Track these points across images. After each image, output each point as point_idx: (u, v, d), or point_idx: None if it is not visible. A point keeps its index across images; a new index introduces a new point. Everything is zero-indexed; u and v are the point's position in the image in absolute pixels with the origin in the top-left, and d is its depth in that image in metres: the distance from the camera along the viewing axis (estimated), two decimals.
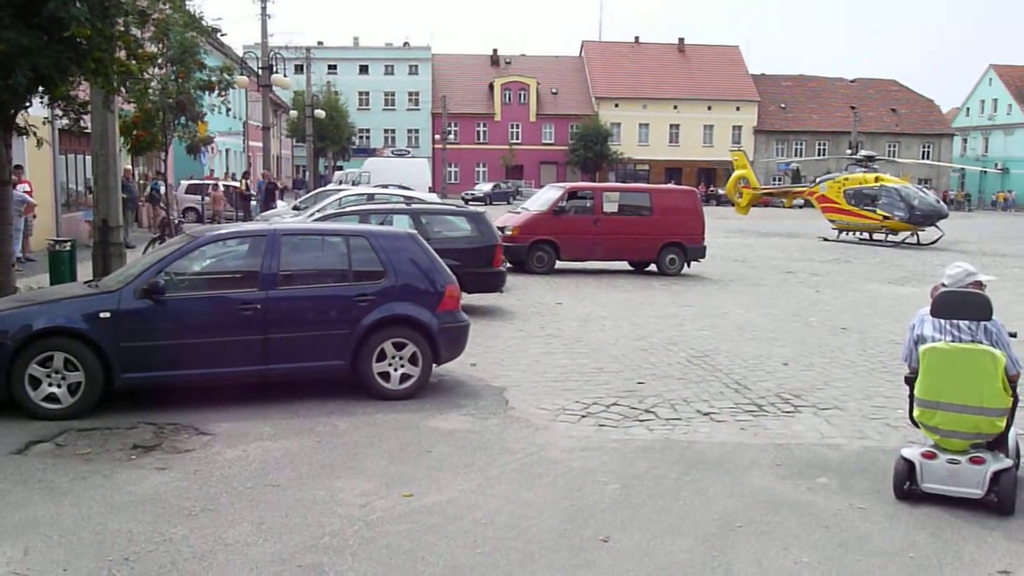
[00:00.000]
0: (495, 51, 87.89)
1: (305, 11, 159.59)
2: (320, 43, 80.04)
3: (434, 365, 9.36)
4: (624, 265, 22.33)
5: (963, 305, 6.29)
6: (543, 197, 22.76)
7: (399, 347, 9.05)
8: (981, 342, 6.23)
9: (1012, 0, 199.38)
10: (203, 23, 20.65)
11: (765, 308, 16.40)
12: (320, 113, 55.05)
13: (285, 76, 37.99)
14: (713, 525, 5.95)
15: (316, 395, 8.92)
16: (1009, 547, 5.71)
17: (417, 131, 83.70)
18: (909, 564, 5.44)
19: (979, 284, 6.54)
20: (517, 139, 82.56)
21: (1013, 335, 6.52)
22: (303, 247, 9.56)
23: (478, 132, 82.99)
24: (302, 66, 58.03)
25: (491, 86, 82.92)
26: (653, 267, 21.80)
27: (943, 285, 6.58)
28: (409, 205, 16.58)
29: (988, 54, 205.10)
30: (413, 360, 9.09)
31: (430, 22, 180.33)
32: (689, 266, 21.88)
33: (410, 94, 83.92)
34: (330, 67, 78.98)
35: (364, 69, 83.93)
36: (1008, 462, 6.31)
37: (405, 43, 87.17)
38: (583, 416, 8.64)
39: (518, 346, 12.16)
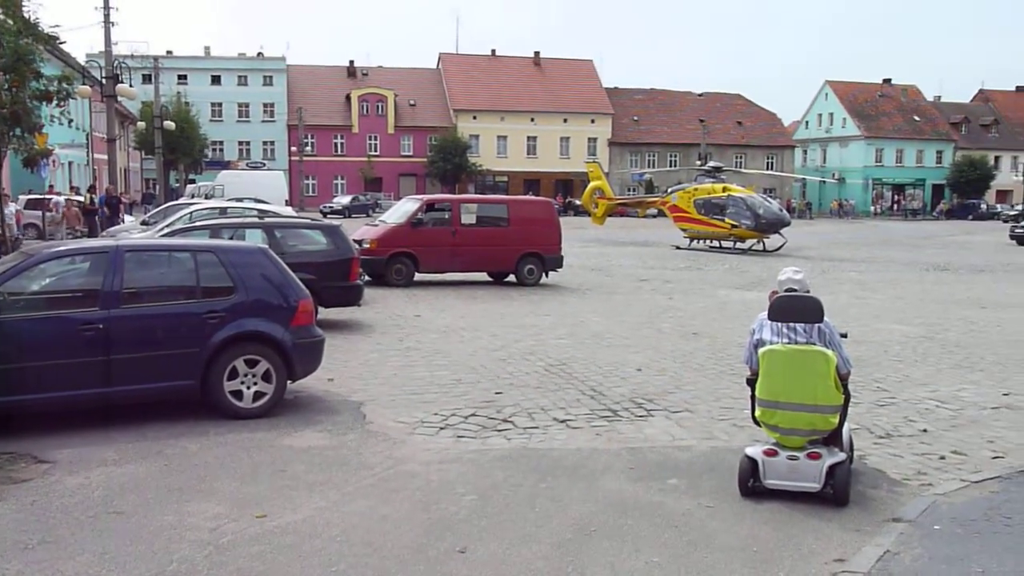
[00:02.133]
0: (351, 62, 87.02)
1: (152, 20, 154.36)
2: (169, 52, 77.51)
3: (289, 381, 9.19)
4: (483, 276, 22.48)
5: (798, 309, 6.62)
6: (401, 210, 22.70)
7: (251, 364, 8.85)
8: (815, 343, 6.56)
9: (846, 21, 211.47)
10: (39, 29, 19.66)
11: (620, 316, 16.80)
12: (170, 124, 53.20)
13: (131, 86, 36.53)
14: (568, 531, 6.05)
15: (165, 417, 8.61)
16: (844, 537, 6.02)
17: (273, 143, 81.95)
18: (753, 558, 5.67)
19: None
20: (375, 151, 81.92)
21: (844, 336, 6.89)
22: (148, 263, 9.22)
23: (336, 144, 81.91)
24: (150, 76, 56.08)
25: (348, 97, 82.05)
26: (512, 277, 22.02)
27: (790, 290, 6.86)
28: (262, 219, 16.22)
29: (824, 71, 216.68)
30: (266, 377, 8.90)
31: (285, 33, 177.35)
32: (547, 276, 22.22)
33: (265, 105, 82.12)
34: (180, 77, 76.45)
35: (216, 80, 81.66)
36: (842, 456, 6.67)
37: (259, 53, 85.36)
38: (441, 428, 8.64)
39: (376, 360, 12.07)
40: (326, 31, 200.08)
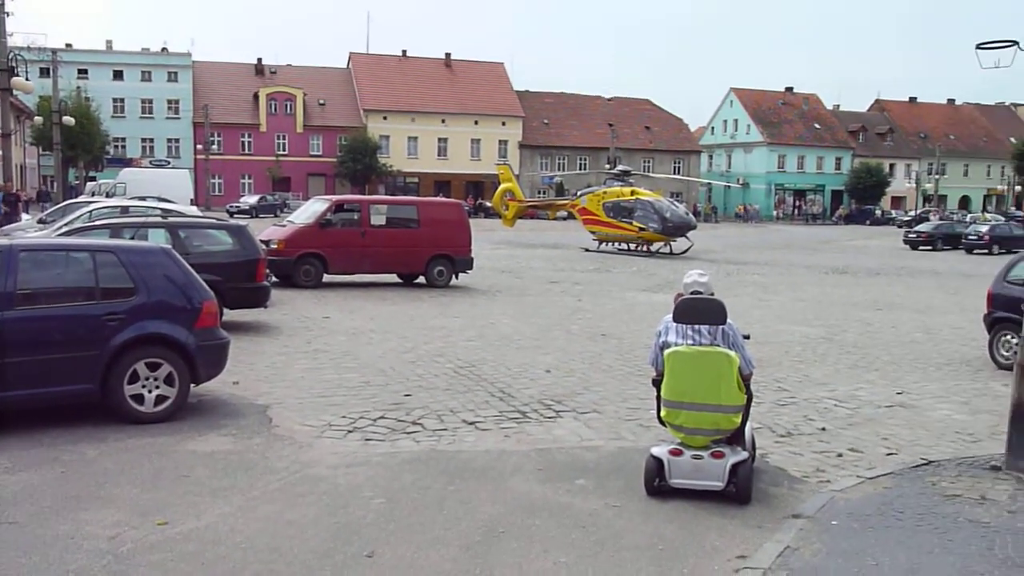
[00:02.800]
0: (260, 60, 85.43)
1: (51, 11, 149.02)
2: (68, 45, 74.89)
3: (192, 385, 9.00)
4: (393, 278, 22.34)
5: (701, 311, 6.76)
6: (309, 210, 22.40)
7: (153, 367, 8.62)
8: (718, 345, 6.70)
9: (750, 30, 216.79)
10: None
11: (530, 317, 16.89)
12: (69, 120, 51.41)
13: (28, 79, 35.19)
14: (477, 533, 6.05)
15: (62, 422, 8.32)
16: (746, 533, 6.17)
17: (178, 141, 79.87)
18: (659, 556, 5.76)
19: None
20: (284, 150, 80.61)
21: (747, 337, 7.06)
22: (44, 264, 8.89)
23: (243, 143, 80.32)
24: (48, 69, 54.05)
25: (256, 96, 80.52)
26: (422, 279, 21.94)
27: (696, 292, 6.99)
28: (166, 219, 15.81)
29: (729, 78, 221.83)
30: (169, 381, 8.68)
31: (190, 28, 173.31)
32: (457, 278, 22.19)
33: (169, 102, 79.91)
34: (80, 71, 73.88)
35: (119, 75, 79.07)
36: (744, 454, 6.83)
37: (163, 48, 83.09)
38: (349, 431, 8.56)
39: (283, 362, 11.88)
40: (233, 28, 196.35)
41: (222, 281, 13.24)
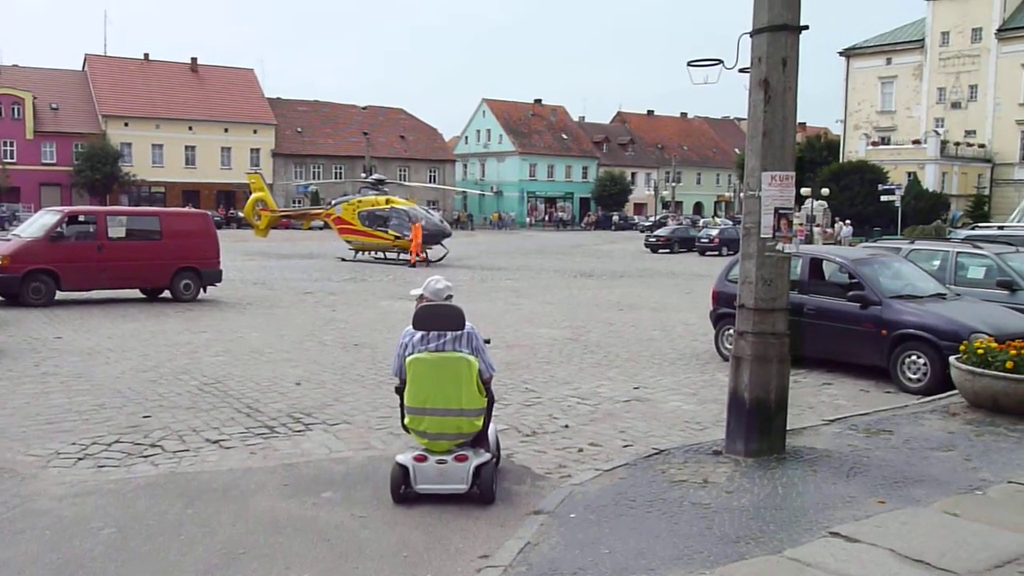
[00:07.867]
0: None
1: None
2: None
3: None
4: (136, 293, 21.18)
5: (440, 317, 6.86)
6: (38, 223, 20.79)
7: None
8: (459, 350, 6.83)
9: (502, 42, 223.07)
10: None
11: (282, 330, 16.51)
12: None
13: None
14: (215, 556, 5.83)
15: None
16: (490, 533, 6.31)
17: None
18: (403, 564, 5.78)
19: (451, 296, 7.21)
20: (12, 158, 74.20)
21: (487, 341, 7.23)
22: None
23: None
24: None
25: None
26: (167, 293, 20.94)
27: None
28: None
29: (481, 89, 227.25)
30: None
31: None
32: (205, 291, 21.38)
33: None
34: None
35: None
36: (487, 456, 7.00)
37: None
38: (80, 458, 8.01)
39: (6, 388, 10.93)
40: None
41: None
